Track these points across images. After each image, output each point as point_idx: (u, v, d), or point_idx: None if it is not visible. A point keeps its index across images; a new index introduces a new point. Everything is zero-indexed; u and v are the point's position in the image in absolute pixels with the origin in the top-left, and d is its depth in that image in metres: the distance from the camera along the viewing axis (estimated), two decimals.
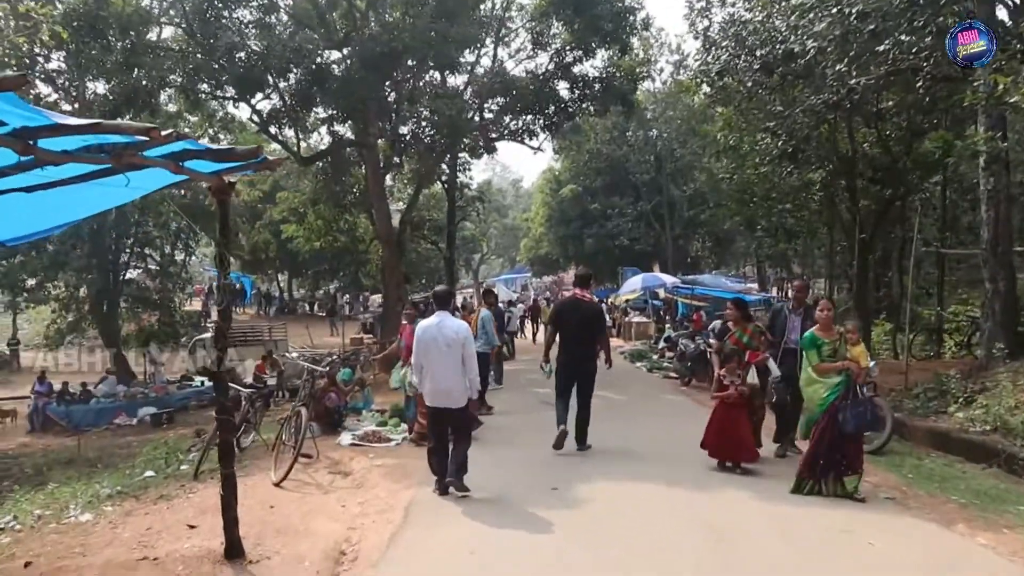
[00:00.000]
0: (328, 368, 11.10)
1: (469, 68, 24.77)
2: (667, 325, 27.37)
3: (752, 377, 8.47)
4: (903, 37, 13.34)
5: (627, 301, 33.89)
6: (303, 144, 23.77)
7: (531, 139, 24.55)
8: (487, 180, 55.43)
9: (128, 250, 25.85)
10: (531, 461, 9.03)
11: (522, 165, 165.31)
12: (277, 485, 8.02)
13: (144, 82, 17.24)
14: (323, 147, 23.21)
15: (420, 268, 40.74)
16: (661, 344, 23.44)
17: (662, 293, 31.37)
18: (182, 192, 26.31)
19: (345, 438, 10.48)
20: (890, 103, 17.18)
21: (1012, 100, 11.02)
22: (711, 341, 16.27)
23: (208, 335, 29.22)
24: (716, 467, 8.34)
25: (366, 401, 13.33)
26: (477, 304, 18.71)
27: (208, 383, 24.57)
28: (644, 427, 11.39)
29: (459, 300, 27.74)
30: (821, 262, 35.78)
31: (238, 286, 47.88)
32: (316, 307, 48.59)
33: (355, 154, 23.62)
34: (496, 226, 68.61)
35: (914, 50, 13.68)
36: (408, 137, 23.13)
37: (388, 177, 28.76)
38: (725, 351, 8.66)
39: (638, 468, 8.51)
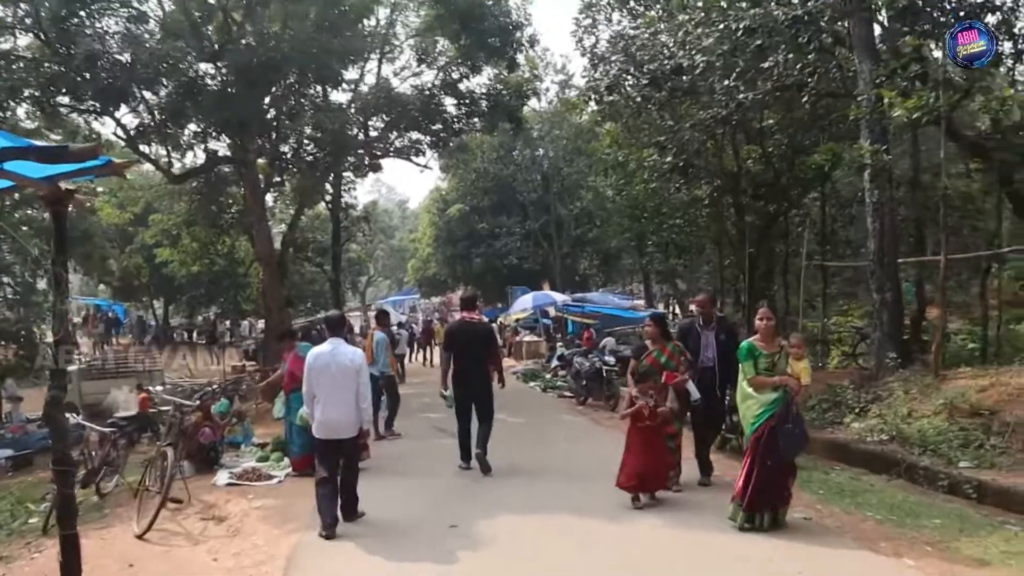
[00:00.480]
0: (199, 401, 10.06)
1: (353, 85, 24.05)
2: (559, 343, 27.14)
3: (671, 400, 7.84)
4: (788, 55, 13.56)
5: (517, 320, 33.58)
6: (178, 163, 22.37)
7: (417, 156, 23.98)
8: (373, 201, 54.31)
9: None
10: (427, 493, 8.42)
11: (408, 186, 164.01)
12: (140, 537, 7.07)
13: None
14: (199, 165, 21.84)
15: (304, 291, 39.27)
16: (554, 363, 23.16)
17: (552, 311, 31.15)
18: (42, 216, 24.49)
19: (221, 477, 9.52)
20: (770, 121, 17.46)
21: (895, 114, 11.20)
22: (607, 359, 16.06)
23: (75, 368, 27.20)
24: (631, 500, 7.54)
25: (246, 435, 12.35)
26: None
27: (76, 419, 22.71)
28: (545, 451, 10.84)
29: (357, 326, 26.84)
30: (706, 278, 36.51)
31: (111, 314, 45.37)
32: (195, 334, 46.27)
33: (233, 173, 22.44)
34: (383, 248, 67.38)
35: (798, 66, 13.93)
36: (289, 155, 22.14)
37: (269, 197, 27.56)
38: (641, 370, 7.92)
39: (543, 497, 7.96)
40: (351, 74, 23.34)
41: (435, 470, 9.58)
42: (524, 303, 30.62)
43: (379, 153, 23.75)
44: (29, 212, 24.35)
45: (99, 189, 28.98)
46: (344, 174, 29.25)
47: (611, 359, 15.85)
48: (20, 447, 19.39)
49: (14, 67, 16.70)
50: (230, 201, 23.63)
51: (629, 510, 7.41)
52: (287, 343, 10.60)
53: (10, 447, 19.38)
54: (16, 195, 23.90)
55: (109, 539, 7.19)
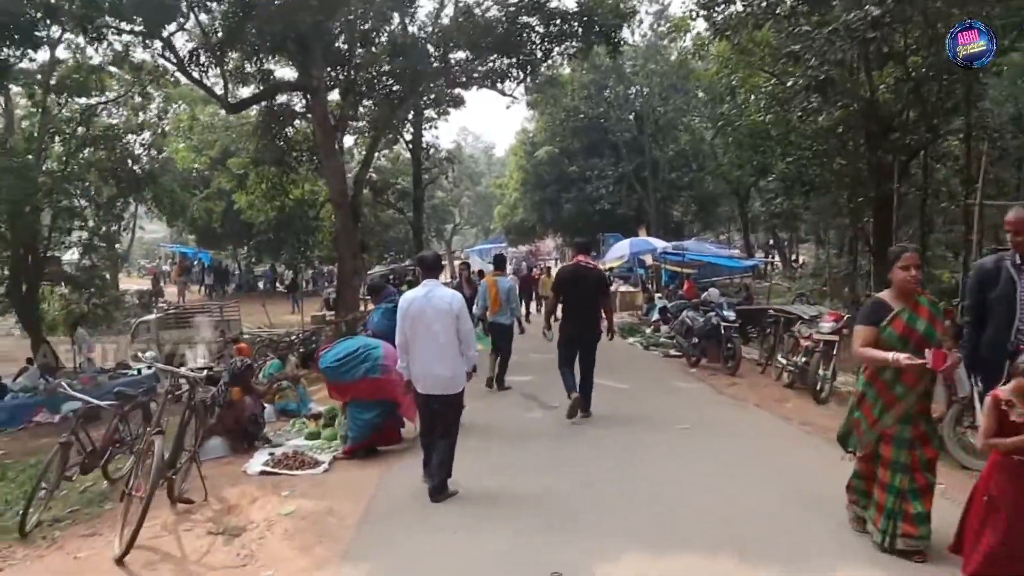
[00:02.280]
0: (207, 372, 7.83)
1: (433, 17, 21.77)
2: (657, 295, 24.70)
3: (939, 396, 4.87)
4: None
5: (611, 269, 31.18)
6: (246, 92, 20.34)
7: (503, 83, 21.44)
8: (457, 144, 52.17)
9: (49, 225, 22.51)
10: (520, 495, 6.33)
11: (495, 133, 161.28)
12: (119, 561, 5.12)
13: (27, 10, 13.84)
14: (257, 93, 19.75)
15: (384, 237, 37.64)
16: (654, 316, 20.82)
17: (649, 260, 28.63)
18: (110, 155, 23.22)
19: (255, 463, 7.51)
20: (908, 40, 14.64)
21: None
22: (726, 314, 13.58)
23: (153, 316, 26.19)
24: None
25: (302, 401, 10.47)
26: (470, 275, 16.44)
27: (147, 371, 21.66)
28: (666, 435, 8.37)
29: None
30: (810, 225, 33.16)
31: (196, 262, 44.78)
32: (278, 283, 45.32)
33: (300, 104, 20.47)
34: (469, 195, 65.53)
35: None
36: (362, 86, 20.07)
37: (349, 139, 25.74)
38: None
39: (697, 526, 5.45)
40: (428, 5, 21.09)
41: (527, 454, 7.67)
42: (620, 250, 28.12)
43: (462, 80, 21.39)
44: (99, 153, 23.12)
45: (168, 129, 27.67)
46: (425, 112, 27.16)
47: (731, 314, 13.36)
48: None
49: None
50: (299, 136, 21.71)
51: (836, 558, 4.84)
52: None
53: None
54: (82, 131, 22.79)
55: (84, 559, 5.29)
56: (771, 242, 44.66)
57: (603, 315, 9.34)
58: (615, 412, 9.36)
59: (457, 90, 23.45)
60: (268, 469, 7.29)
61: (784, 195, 19.23)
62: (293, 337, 22.41)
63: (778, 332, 12.51)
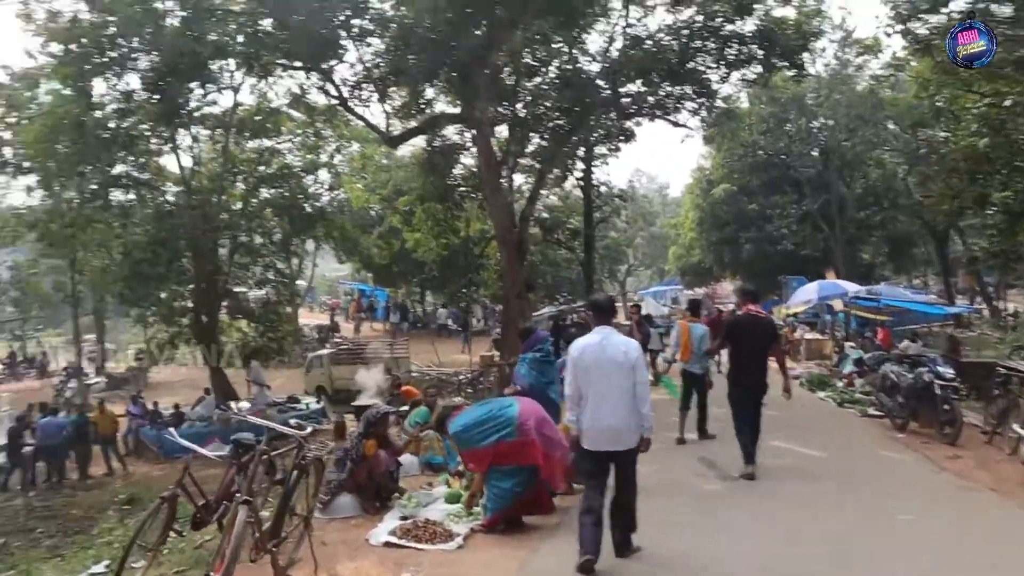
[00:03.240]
0: (311, 428, 7.10)
1: (604, 48, 20.98)
2: (848, 343, 22.36)
3: None
4: None
5: (794, 315, 28.87)
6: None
7: (677, 114, 20.23)
8: (631, 185, 50.96)
9: (229, 260, 23.34)
10: None
11: (669, 174, 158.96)
12: None
13: (199, 50, 14.03)
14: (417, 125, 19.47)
15: (556, 276, 36.79)
16: (847, 368, 18.63)
17: (839, 305, 26.20)
18: (283, 194, 23.92)
19: (382, 529, 6.58)
20: None
21: None
22: (941, 370, 11.50)
23: (326, 351, 26.64)
24: None
25: (449, 454, 9.49)
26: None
27: (315, 405, 21.88)
28: (888, 525, 6.61)
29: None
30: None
31: (371, 298, 45.81)
32: (452, 321, 45.53)
33: (464, 138, 20.10)
34: (643, 235, 64.01)
35: None
36: (529, 119, 19.44)
37: (519, 176, 25.22)
38: None
39: None
40: (598, 40, 20.26)
41: (709, 540, 6.37)
42: (807, 293, 25.82)
43: (632, 111, 20.27)
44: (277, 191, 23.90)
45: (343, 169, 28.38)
46: (595, 147, 26.26)
47: (948, 371, 11.28)
48: (260, 431, 18.33)
49: (227, 24, 14.90)
50: (466, 173, 21.38)
51: None
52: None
53: (251, 431, 18.38)
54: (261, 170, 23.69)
55: None
56: (976, 287, 40.55)
57: (777, 368, 9.11)
58: (811, 488, 7.84)
59: (628, 123, 22.34)
60: (394, 540, 6.31)
61: (1006, 230, 16.62)
62: (461, 377, 22.00)
63: (1010, 394, 10.41)
